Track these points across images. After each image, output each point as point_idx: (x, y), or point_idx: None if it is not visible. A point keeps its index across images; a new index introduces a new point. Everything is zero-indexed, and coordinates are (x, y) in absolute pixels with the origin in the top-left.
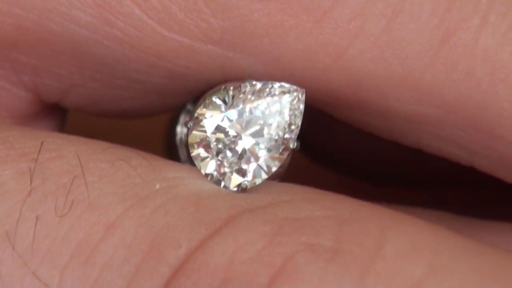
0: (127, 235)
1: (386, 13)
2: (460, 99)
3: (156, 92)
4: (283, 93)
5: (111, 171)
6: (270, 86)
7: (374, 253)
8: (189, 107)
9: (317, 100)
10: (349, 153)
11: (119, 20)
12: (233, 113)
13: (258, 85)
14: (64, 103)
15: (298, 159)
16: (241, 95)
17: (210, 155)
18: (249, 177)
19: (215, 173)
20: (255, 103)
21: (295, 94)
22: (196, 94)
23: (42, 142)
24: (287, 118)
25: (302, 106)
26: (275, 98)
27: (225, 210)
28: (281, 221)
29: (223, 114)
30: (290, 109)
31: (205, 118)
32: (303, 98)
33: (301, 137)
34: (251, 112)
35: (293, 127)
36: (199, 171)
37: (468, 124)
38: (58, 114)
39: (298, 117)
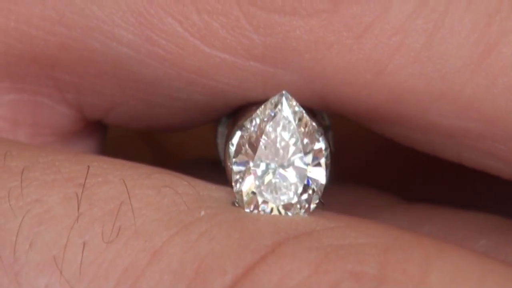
0: (173, 261)
1: (426, 28)
2: (500, 113)
3: (196, 109)
4: (270, 106)
5: (157, 198)
6: (258, 113)
7: (419, 281)
8: (224, 119)
9: (358, 115)
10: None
11: (161, 38)
12: (256, 163)
13: (251, 122)
14: (106, 120)
15: None
16: (248, 142)
17: (272, 204)
18: (314, 187)
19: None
20: (263, 136)
21: (277, 98)
22: (235, 108)
23: (88, 167)
24: (291, 120)
25: (292, 103)
26: (270, 118)
27: (270, 237)
28: (326, 249)
29: (252, 176)
30: (287, 111)
31: (242, 188)
32: (288, 95)
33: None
34: (265, 145)
35: (303, 122)
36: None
37: (508, 137)
38: (100, 130)
39: (300, 111)
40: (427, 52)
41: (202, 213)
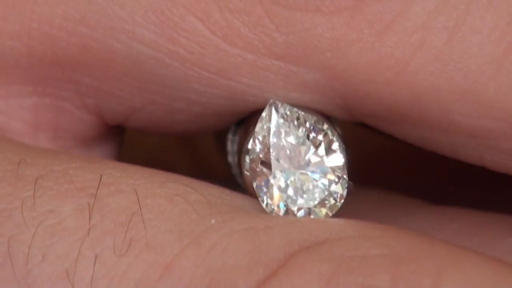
0: (185, 275)
1: (448, 26)
2: None
3: (214, 114)
4: (266, 119)
5: (168, 207)
6: (257, 130)
7: None
8: (233, 126)
9: (379, 116)
10: None
11: (182, 37)
12: (276, 177)
13: (255, 142)
14: (125, 125)
15: None
16: (261, 153)
17: (306, 206)
18: (338, 173)
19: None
20: (270, 151)
21: (268, 109)
22: (252, 112)
23: (101, 176)
24: (289, 123)
25: (284, 106)
26: (269, 130)
27: (282, 249)
28: (337, 260)
29: (276, 189)
30: (283, 117)
31: (271, 202)
32: (276, 102)
33: None
34: (277, 158)
35: (301, 120)
36: (254, 200)
37: None
38: (119, 133)
39: (294, 111)
40: (448, 50)
41: (213, 221)
